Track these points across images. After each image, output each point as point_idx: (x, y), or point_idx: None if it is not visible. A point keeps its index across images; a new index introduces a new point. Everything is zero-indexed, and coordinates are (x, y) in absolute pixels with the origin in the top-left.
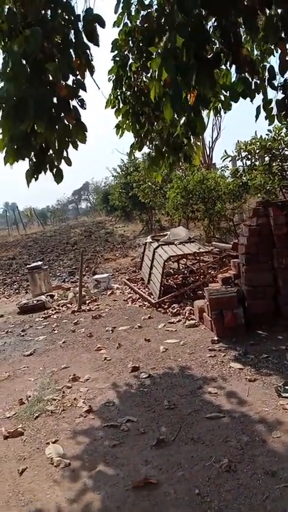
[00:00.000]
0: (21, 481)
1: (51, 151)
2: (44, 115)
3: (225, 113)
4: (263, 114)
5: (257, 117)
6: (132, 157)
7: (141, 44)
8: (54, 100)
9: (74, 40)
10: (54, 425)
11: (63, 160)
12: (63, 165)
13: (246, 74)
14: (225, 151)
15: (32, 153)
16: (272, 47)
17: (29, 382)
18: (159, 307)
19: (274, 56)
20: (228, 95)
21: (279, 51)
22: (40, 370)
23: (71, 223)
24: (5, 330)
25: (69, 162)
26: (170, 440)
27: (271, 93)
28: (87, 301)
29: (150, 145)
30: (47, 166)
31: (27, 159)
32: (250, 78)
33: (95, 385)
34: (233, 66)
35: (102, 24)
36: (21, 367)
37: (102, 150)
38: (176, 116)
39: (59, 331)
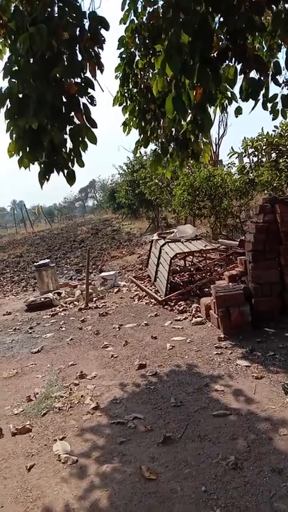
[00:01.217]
0: (29, 478)
1: (62, 152)
2: (47, 112)
3: (236, 117)
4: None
5: (252, 108)
6: (138, 155)
7: (147, 41)
8: (62, 99)
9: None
10: (62, 422)
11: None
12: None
13: (254, 71)
14: (231, 148)
15: (44, 154)
16: (280, 42)
17: (36, 379)
18: (165, 304)
19: (280, 51)
20: (233, 92)
21: (287, 46)
22: (48, 367)
23: (78, 220)
24: (13, 327)
25: (81, 164)
26: (177, 438)
27: (273, 89)
28: (94, 299)
29: (156, 142)
30: (59, 167)
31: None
32: (258, 76)
33: (102, 382)
34: (239, 64)
35: (107, 27)
36: (29, 364)
37: (109, 147)
38: (177, 113)
39: (66, 329)
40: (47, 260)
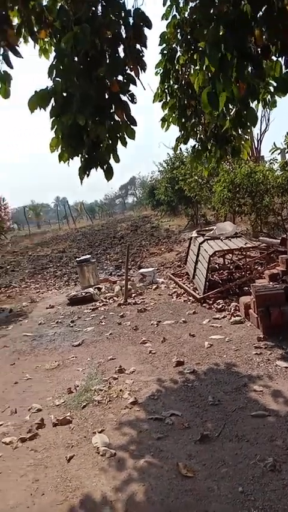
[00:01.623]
0: (69, 468)
1: (102, 147)
2: (90, 110)
3: (270, 110)
4: None
5: None
6: (178, 151)
7: (189, 37)
8: (104, 96)
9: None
10: (101, 415)
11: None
12: (111, 160)
13: None
14: (274, 143)
15: (84, 150)
16: None
17: (77, 371)
18: (204, 302)
19: None
20: (276, 86)
21: None
22: (88, 361)
23: (118, 217)
24: (56, 321)
25: (117, 159)
26: (214, 437)
27: None
28: (133, 295)
29: (196, 139)
30: (98, 163)
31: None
32: None
33: (140, 377)
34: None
35: (149, 26)
36: (70, 357)
37: (149, 144)
38: (211, 108)
39: (106, 323)
40: (88, 256)
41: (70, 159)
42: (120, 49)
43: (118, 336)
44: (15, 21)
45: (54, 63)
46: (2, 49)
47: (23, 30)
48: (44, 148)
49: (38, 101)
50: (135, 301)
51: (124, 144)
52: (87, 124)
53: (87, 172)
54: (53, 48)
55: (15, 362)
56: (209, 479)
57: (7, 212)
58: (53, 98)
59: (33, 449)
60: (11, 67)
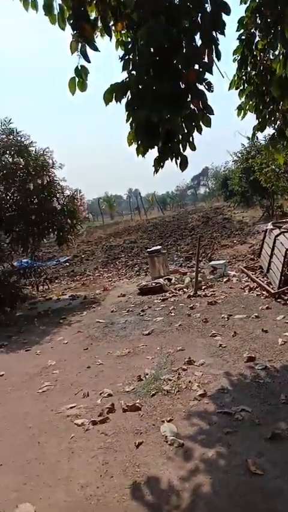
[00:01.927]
0: (137, 454)
1: (177, 139)
2: (165, 102)
3: None
4: None
5: None
6: (255, 140)
7: (269, 20)
8: (179, 86)
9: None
10: (170, 405)
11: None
12: (187, 149)
13: None
14: None
15: (159, 141)
16: None
17: (146, 360)
18: (278, 297)
19: None
20: None
21: None
22: (157, 350)
23: (189, 208)
24: (127, 309)
25: (193, 147)
26: (286, 436)
27: None
28: (203, 287)
29: (273, 126)
30: (173, 154)
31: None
32: None
33: (210, 370)
34: None
35: (228, 12)
36: (140, 345)
37: (223, 134)
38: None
39: (176, 314)
40: (159, 247)
41: (147, 152)
42: (197, 37)
43: (187, 328)
44: (92, 15)
45: (128, 56)
46: (79, 44)
47: (99, 24)
48: (119, 140)
49: (113, 93)
50: (206, 293)
51: (200, 131)
52: (161, 116)
53: (162, 164)
54: (129, 40)
55: (88, 347)
56: (279, 479)
57: (83, 203)
58: (128, 91)
59: (104, 432)
60: (89, 61)
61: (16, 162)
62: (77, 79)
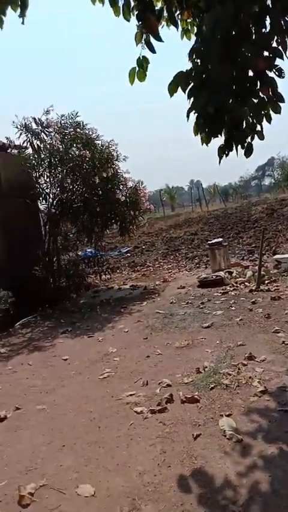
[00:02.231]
0: (194, 446)
1: (243, 127)
2: (231, 90)
3: None
4: None
5: None
6: None
7: None
8: (247, 75)
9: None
10: (229, 399)
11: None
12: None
13: None
14: None
15: (224, 130)
16: None
17: (206, 353)
18: None
19: None
20: None
21: None
22: (217, 344)
23: (253, 200)
24: (186, 301)
25: (261, 137)
26: None
27: None
28: (266, 281)
29: None
30: (238, 142)
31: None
32: None
33: (271, 367)
34: None
35: None
36: (199, 338)
37: None
38: None
39: (236, 308)
40: (220, 239)
41: (211, 139)
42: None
43: (249, 322)
44: (158, 5)
45: (195, 45)
46: (144, 35)
47: (165, 13)
48: (182, 130)
49: (177, 84)
50: (269, 288)
51: (269, 120)
52: (227, 104)
53: (227, 153)
54: (195, 28)
55: (148, 337)
56: None
57: (145, 194)
58: (192, 80)
59: (162, 422)
60: (154, 52)
61: (82, 154)
62: (137, 69)
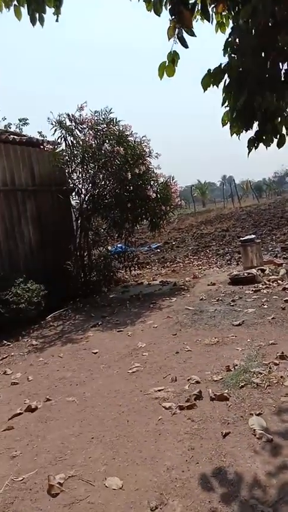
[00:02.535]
0: (223, 444)
1: (277, 120)
2: (270, 85)
3: None
4: None
5: None
6: None
7: None
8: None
9: None
10: (259, 398)
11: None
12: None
13: None
14: None
15: (256, 122)
16: None
17: (236, 351)
18: None
19: None
20: None
21: None
22: (248, 342)
23: (287, 196)
24: (217, 298)
25: None
26: None
27: None
28: None
29: None
30: (269, 135)
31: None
32: None
33: None
34: None
35: None
36: (230, 336)
37: None
38: None
39: (269, 307)
40: (253, 236)
41: (243, 132)
42: None
43: (281, 321)
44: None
45: (229, 39)
46: (177, 30)
47: (198, 8)
48: (214, 126)
49: (211, 79)
50: None
51: None
52: (260, 97)
53: (256, 145)
54: (230, 21)
55: (177, 333)
56: None
57: (176, 189)
58: (226, 75)
59: (190, 418)
60: (187, 47)
61: (115, 151)
62: (167, 64)
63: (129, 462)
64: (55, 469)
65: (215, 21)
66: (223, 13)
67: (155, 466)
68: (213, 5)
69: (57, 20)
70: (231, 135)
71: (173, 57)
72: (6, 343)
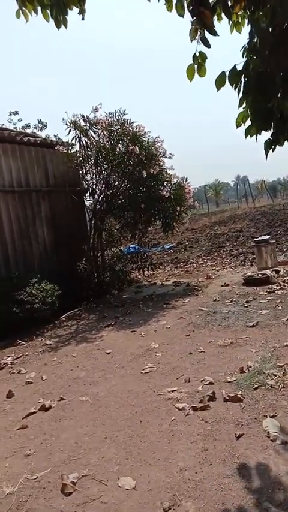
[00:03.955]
0: (237, 445)
1: None
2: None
3: None
4: None
5: None
6: None
7: None
8: None
9: None
10: (273, 400)
11: None
12: None
13: None
14: None
15: (273, 123)
16: None
17: (250, 352)
18: None
19: None
20: None
21: None
22: (262, 343)
23: None
24: (230, 299)
25: None
26: None
27: None
28: None
29: None
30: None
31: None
32: None
33: None
34: None
35: None
36: (243, 337)
37: None
38: None
39: (283, 308)
40: (267, 236)
41: (258, 134)
42: None
43: None
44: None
45: (249, 39)
46: (199, 31)
47: (218, 7)
48: (227, 126)
49: (224, 79)
50: None
51: None
52: (279, 98)
53: (273, 147)
54: (245, 21)
55: (190, 333)
56: None
57: (189, 190)
58: (243, 76)
59: (204, 419)
60: (209, 46)
61: (130, 151)
62: (195, 66)
63: (142, 462)
64: (68, 468)
65: (230, 21)
66: (239, 12)
67: (168, 466)
68: (230, 5)
69: (83, 19)
70: (246, 136)
71: (200, 58)
72: (20, 343)
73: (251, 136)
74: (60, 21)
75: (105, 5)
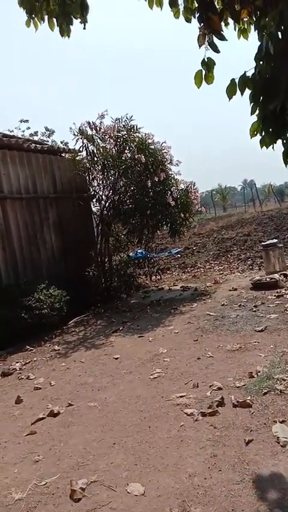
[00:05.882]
0: (246, 451)
1: None
2: None
3: None
4: None
5: None
6: None
7: None
8: None
9: None
10: (283, 406)
11: None
12: None
13: None
14: None
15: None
16: None
17: (259, 357)
18: None
19: None
20: None
21: None
22: (271, 348)
23: None
24: (238, 303)
25: None
26: None
27: None
28: None
29: None
30: None
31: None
32: None
33: None
34: None
35: None
36: (252, 342)
37: None
38: None
39: None
40: (275, 240)
41: (274, 144)
42: None
43: None
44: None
45: (260, 46)
46: (207, 36)
47: (224, 13)
48: (239, 132)
49: (236, 87)
50: None
51: None
52: None
53: None
54: (252, 27)
55: (198, 339)
56: None
57: (196, 196)
58: (256, 83)
59: (213, 425)
60: (218, 51)
61: (137, 158)
62: (203, 72)
63: (151, 468)
64: (77, 473)
65: (237, 28)
66: (245, 19)
67: (177, 472)
68: (237, 9)
69: (84, 28)
70: (261, 147)
71: (209, 64)
72: (29, 348)
73: (266, 147)
74: (64, 30)
75: (105, 5)
